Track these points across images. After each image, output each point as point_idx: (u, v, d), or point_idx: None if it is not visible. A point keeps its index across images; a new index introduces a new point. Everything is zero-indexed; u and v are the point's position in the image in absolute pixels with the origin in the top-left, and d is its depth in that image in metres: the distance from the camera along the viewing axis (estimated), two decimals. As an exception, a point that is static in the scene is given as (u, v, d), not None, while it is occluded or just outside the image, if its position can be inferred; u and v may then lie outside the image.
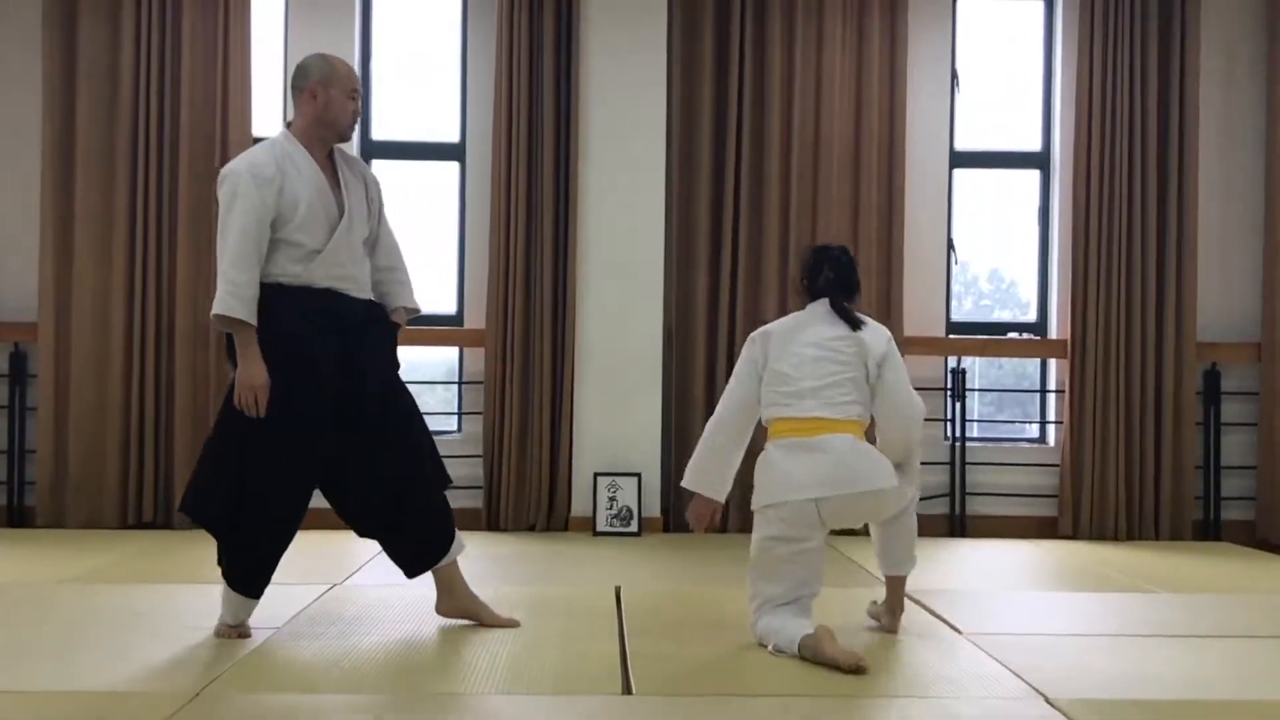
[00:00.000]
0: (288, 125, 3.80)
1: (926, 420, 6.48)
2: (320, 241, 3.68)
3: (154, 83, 6.25)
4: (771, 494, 3.70)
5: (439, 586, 3.93)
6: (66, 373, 6.23)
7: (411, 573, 3.95)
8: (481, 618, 3.91)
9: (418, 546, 3.90)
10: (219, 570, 3.74)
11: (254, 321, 3.56)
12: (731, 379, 3.91)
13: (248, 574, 3.73)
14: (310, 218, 3.66)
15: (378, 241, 3.92)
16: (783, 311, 6.36)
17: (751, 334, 3.92)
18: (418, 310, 4.02)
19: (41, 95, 6.27)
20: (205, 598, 4.37)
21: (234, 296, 3.54)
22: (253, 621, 3.79)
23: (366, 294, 3.84)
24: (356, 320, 3.75)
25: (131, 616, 4.02)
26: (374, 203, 3.90)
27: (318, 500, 6.49)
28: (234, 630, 3.71)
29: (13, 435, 6.34)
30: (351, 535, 6.10)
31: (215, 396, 6.24)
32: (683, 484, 3.95)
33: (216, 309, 3.55)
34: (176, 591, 4.49)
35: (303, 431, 3.62)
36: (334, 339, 3.68)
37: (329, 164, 3.80)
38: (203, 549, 5.53)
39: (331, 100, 3.74)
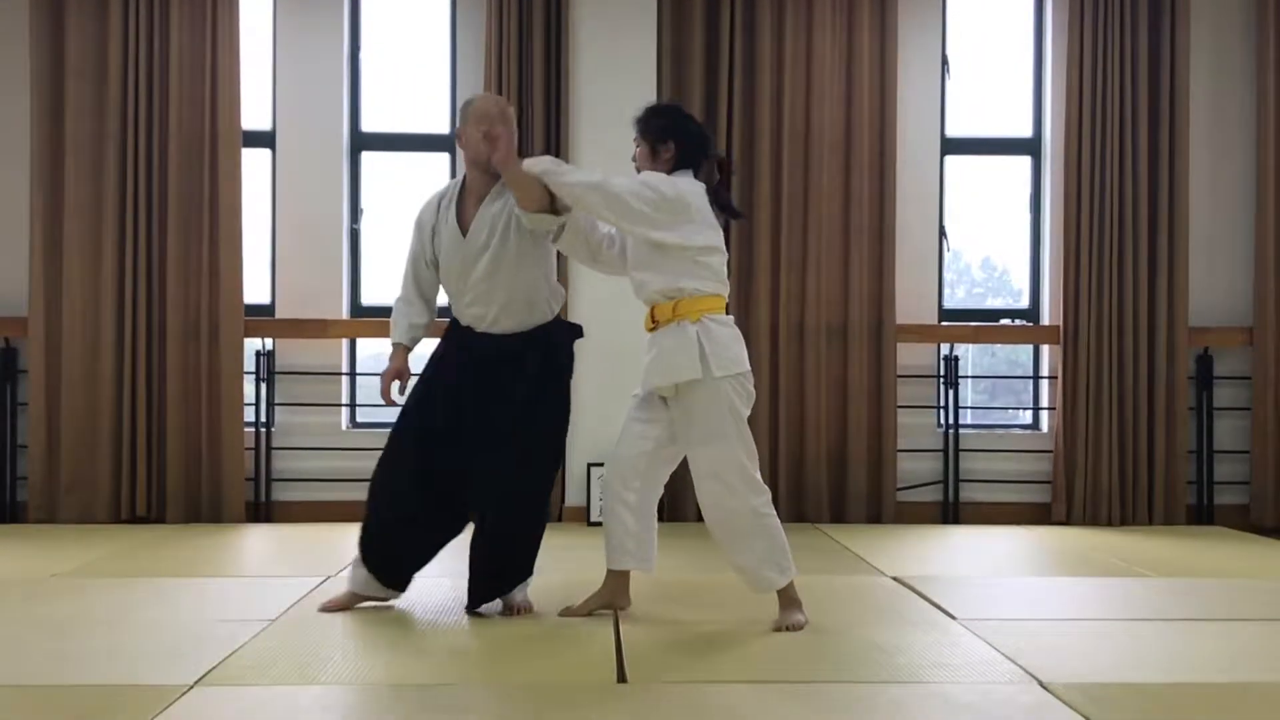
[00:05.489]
0: None
1: (919, 407, 6.56)
2: (450, 284, 4.02)
3: (142, 78, 6.23)
4: (742, 361, 3.75)
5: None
6: (57, 368, 6.22)
7: (470, 604, 3.97)
8: (513, 600, 3.98)
9: (480, 578, 3.96)
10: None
11: (403, 341, 4.08)
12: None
13: (383, 560, 3.99)
14: (446, 261, 4.00)
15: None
16: (775, 302, 6.40)
17: (672, 189, 3.67)
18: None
19: (30, 91, 6.25)
20: (198, 591, 4.38)
21: (392, 319, 4.11)
22: (245, 615, 3.82)
23: (502, 328, 3.94)
24: (482, 357, 3.95)
25: (125, 611, 4.01)
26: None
27: (299, 492, 6.46)
28: (340, 602, 3.99)
29: (4, 431, 6.32)
30: (344, 529, 6.11)
31: (206, 389, 6.24)
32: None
33: None
34: (170, 585, 4.48)
35: (408, 440, 3.98)
36: (454, 370, 3.98)
37: (482, 196, 3.94)
38: (195, 543, 5.54)
39: (468, 137, 3.93)
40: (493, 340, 3.95)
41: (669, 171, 3.78)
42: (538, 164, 3.69)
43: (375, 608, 4.04)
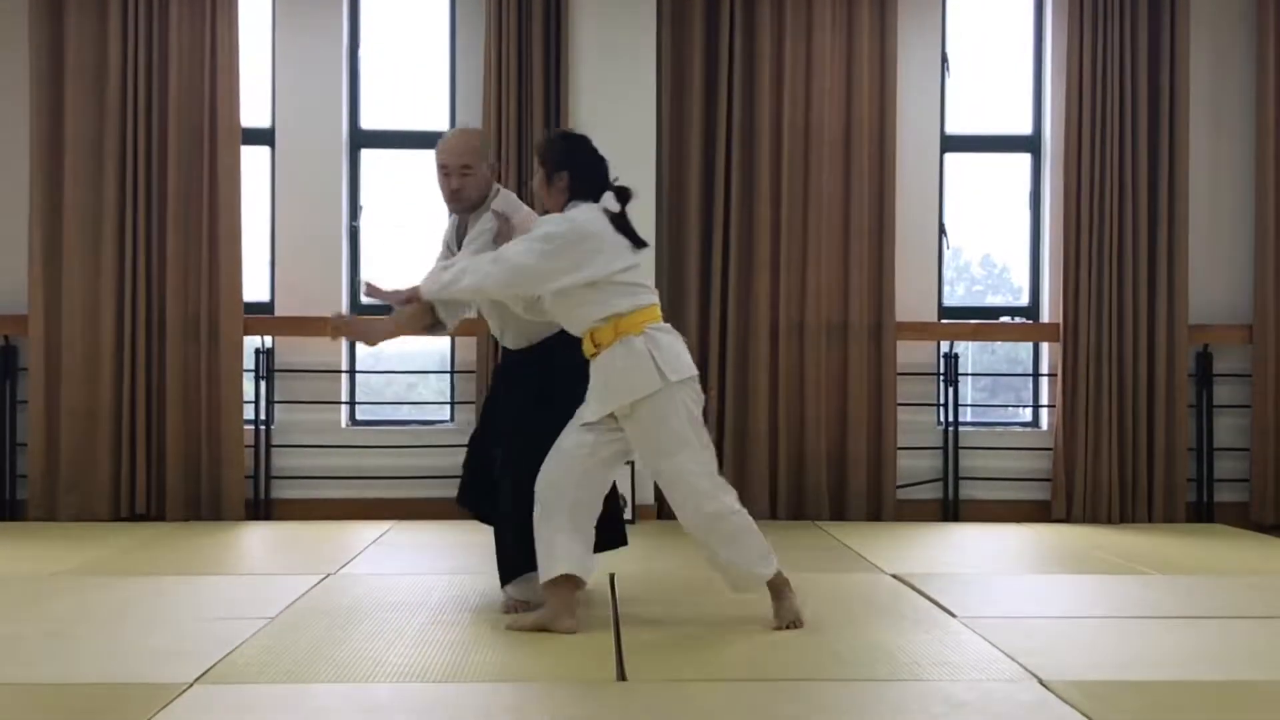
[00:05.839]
0: None
1: (918, 405, 6.56)
2: None
3: (141, 76, 6.22)
4: (691, 365, 3.72)
5: None
6: (57, 366, 6.21)
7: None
8: (510, 597, 4.00)
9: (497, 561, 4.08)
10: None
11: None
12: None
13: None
14: None
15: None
16: (775, 300, 6.39)
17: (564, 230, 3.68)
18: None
19: (29, 90, 6.24)
20: (198, 589, 4.38)
21: None
22: (244, 613, 3.85)
23: (508, 344, 4.09)
24: (503, 367, 4.25)
25: (125, 608, 4.01)
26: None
27: (298, 490, 6.46)
28: None
29: (3, 429, 6.32)
30: (344, 526, 6.12)
31: (205, 387, 6.24)
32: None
33: None
34: (169, 583, 4.48)
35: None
36: (498, 379, 4.31)
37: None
38: (195, 541, 5.54)
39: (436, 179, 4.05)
40: (507, 353, 4.15)
41: (565, 200, 3.75)
42: (429, 291, 3.75)
43: (378, 605, 4.04)
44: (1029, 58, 6.82)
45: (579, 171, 3.76)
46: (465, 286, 3.69)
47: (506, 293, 3.76)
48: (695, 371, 3.74)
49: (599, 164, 3.81)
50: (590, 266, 3.62)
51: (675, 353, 3.68)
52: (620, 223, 3.71)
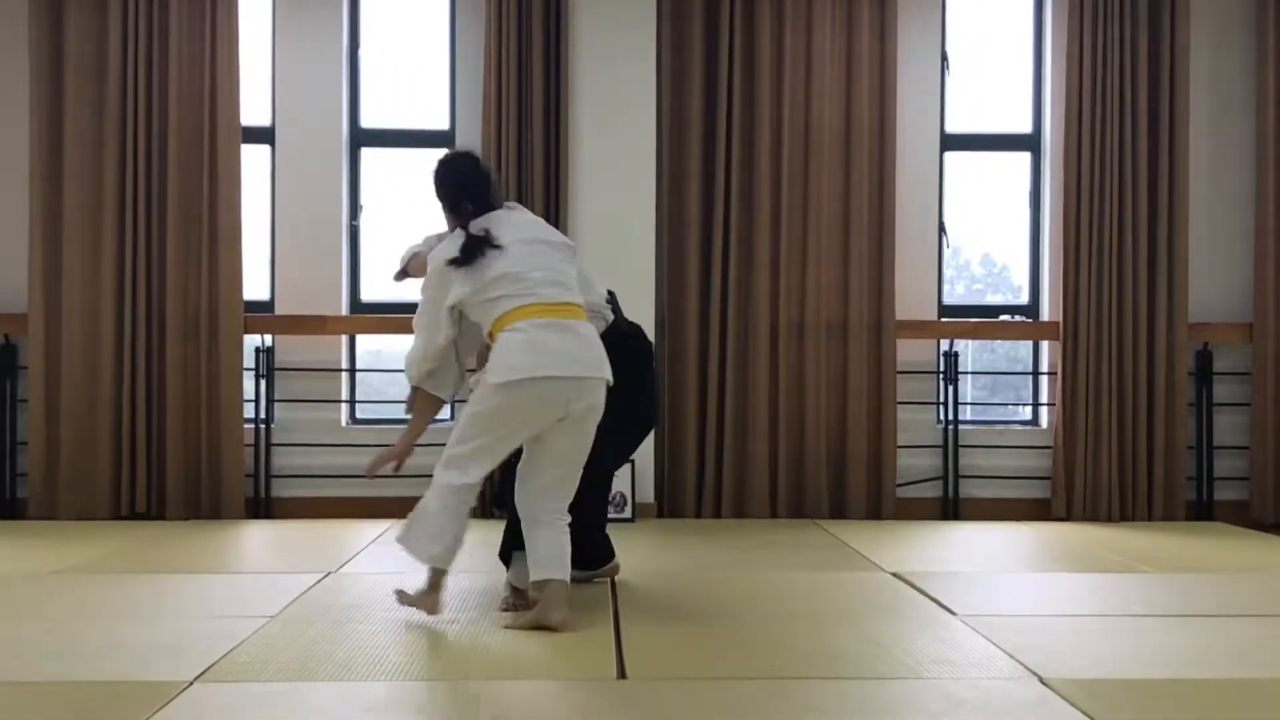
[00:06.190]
0: None
1: (918, 403, 6.56)
2: None
3: (141, 74, 6.22)
4: (520, 368, 3.58)
5: None
6: (57, 364, 6.21)
7: None
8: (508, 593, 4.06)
9: None
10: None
11: None
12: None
13: None
14: None
15: None
16: (775, 299, 6.40)
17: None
18: None
19: (28, 88, 6.24)
20: (198, 588, 4.38)
21: None
22: (244, 611, 3.86)
23: None
24: None
25: (124, 607, 4.01)
26: None
27: (298, 489, 6.46)
28: None
29: (3, 428, 6.32)
30: (344, 525, 6.13)
31: (205, 386, 6.24)
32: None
33: None
34: (169, 582, 4.48)
35: None
36: None
37: None
38: (195, 540, 5.54)
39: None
40: None
41: (456, 222, 3.81)
42: (410, 380, 3.91)
43: (378, 604, 4.05)
44: (1029, 56, 6.82)
45: (446, 200, 3.86)
46: (415, 365, 3.85)
47: (432, 352, 3.81)
48: (527, 375, 3.58)
49: (458, 184, 3.86)
50: (450, 296, 3.73)
51: (506, 354, 3.62)
52: (470, 247, 3.71)
